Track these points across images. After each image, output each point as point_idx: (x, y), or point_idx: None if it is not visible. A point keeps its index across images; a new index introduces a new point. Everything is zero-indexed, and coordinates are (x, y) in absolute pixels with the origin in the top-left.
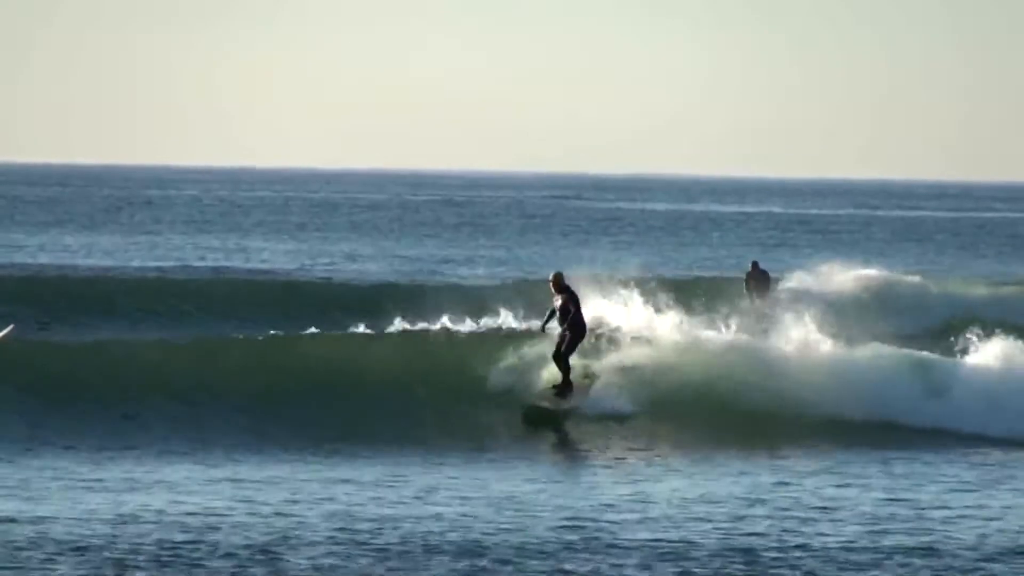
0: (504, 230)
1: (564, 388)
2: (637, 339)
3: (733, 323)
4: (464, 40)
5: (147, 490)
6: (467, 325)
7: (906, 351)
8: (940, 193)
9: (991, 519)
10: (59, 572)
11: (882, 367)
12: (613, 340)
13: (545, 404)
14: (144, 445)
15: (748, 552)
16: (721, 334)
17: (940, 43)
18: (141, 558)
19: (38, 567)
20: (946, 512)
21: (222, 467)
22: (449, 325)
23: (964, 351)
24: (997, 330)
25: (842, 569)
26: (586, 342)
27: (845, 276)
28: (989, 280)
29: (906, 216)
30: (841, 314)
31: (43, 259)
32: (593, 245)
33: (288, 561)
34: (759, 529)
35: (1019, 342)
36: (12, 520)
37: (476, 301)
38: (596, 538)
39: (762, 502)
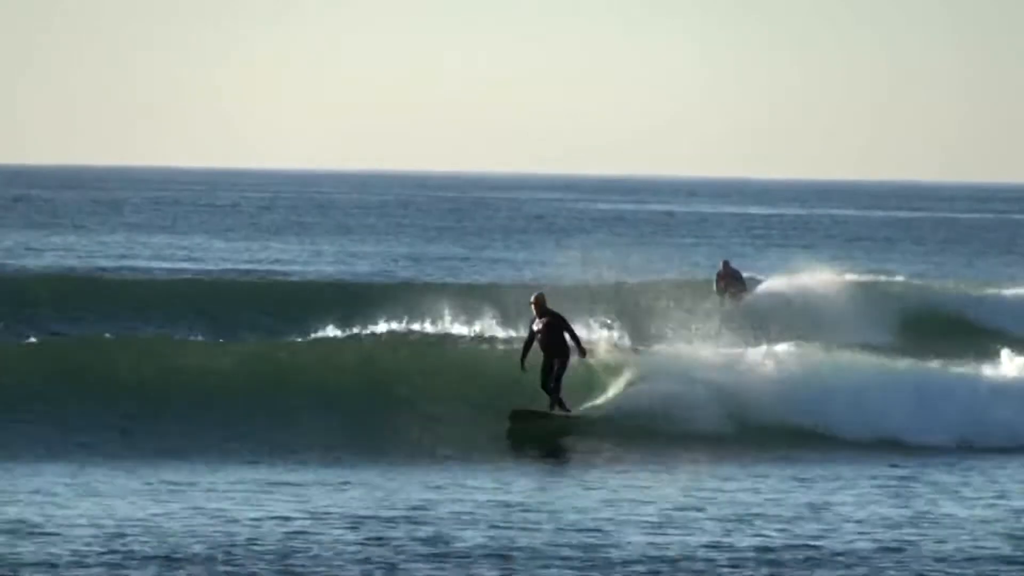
0: (494, 231)
1: (556, 406)
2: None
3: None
4: (464, 40)
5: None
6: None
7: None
8: (941, 194)
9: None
10: None
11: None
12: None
13: (532, 407)
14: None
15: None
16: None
17: (940, 43)
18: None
19: None
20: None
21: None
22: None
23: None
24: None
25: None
26: (575, 360)
27: (815, 279)
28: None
29: (901, 217)
30: (806, 318)
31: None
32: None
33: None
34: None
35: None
36: None
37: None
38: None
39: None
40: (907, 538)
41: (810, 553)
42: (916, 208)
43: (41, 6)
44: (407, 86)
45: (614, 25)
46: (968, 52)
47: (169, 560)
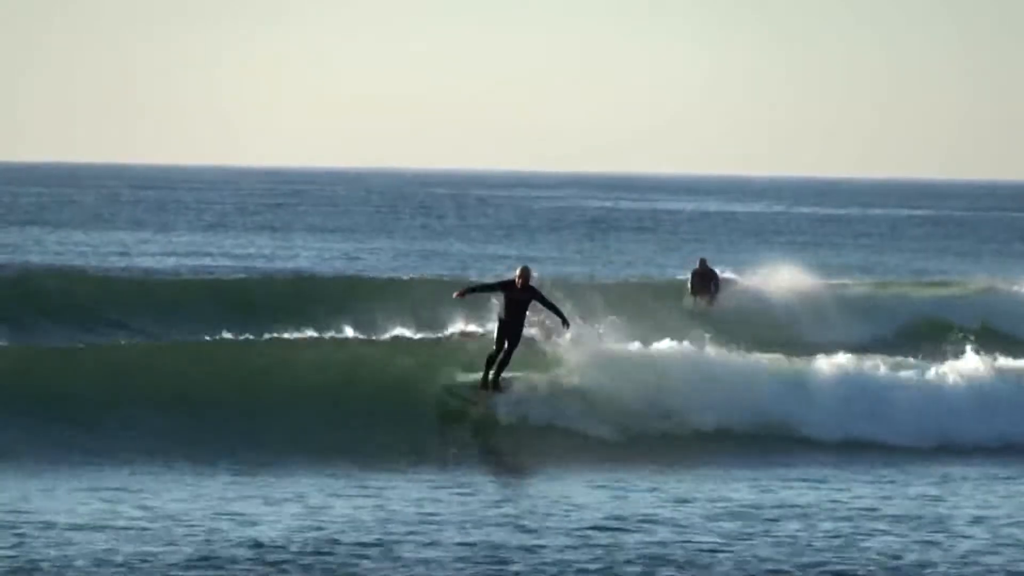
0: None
1: (493, 387)
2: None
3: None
4: (464, 40)
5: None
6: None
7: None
8: (943, 194)
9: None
10: None
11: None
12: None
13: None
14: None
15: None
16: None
17: (940, 43)
18: None
19: None
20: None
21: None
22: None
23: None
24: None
25: None
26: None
27: (785, 278)
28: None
29: (897, 215)
30: (774, 319)
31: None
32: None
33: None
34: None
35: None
36: None
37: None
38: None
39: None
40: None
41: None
42: (916, 206)
43: (41, 6)
44: (407, 86)
45: (614, 25)
46: (968, 52)
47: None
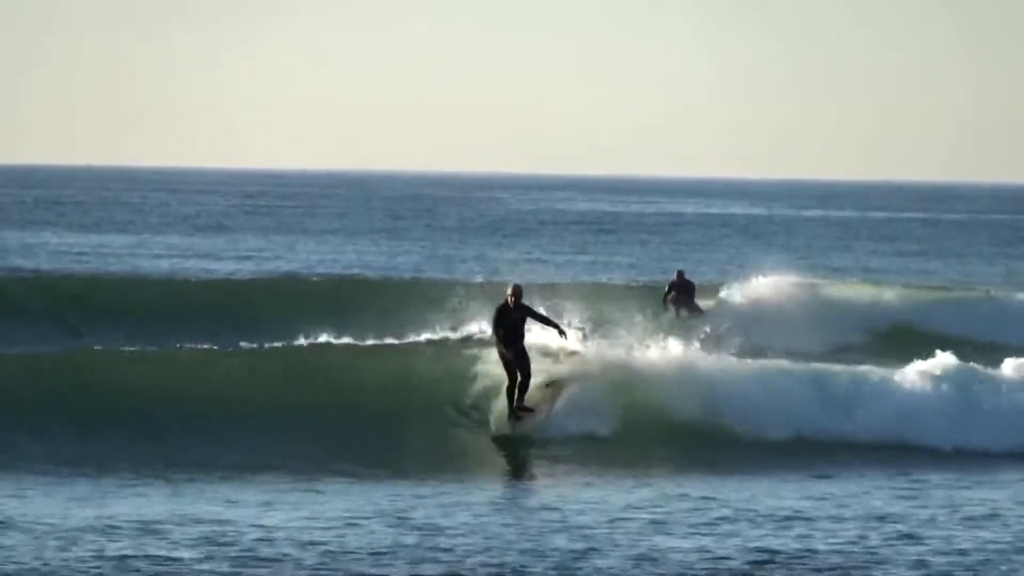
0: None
1: (523, 411)
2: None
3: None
4: (464, 40)
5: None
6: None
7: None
8: (946, 194)
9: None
10: None
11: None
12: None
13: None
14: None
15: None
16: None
17: (940, 43)
18: None
19: None
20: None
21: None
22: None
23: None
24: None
25: None
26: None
27: (771, 283)
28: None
29: (893, 217)
30: (756, 325)
31: None
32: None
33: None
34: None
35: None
36: None
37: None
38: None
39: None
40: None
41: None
42: (918, 209)
43: (41, 6)
44: (407, 86)
45: (614, 25)
46: (968, 52)
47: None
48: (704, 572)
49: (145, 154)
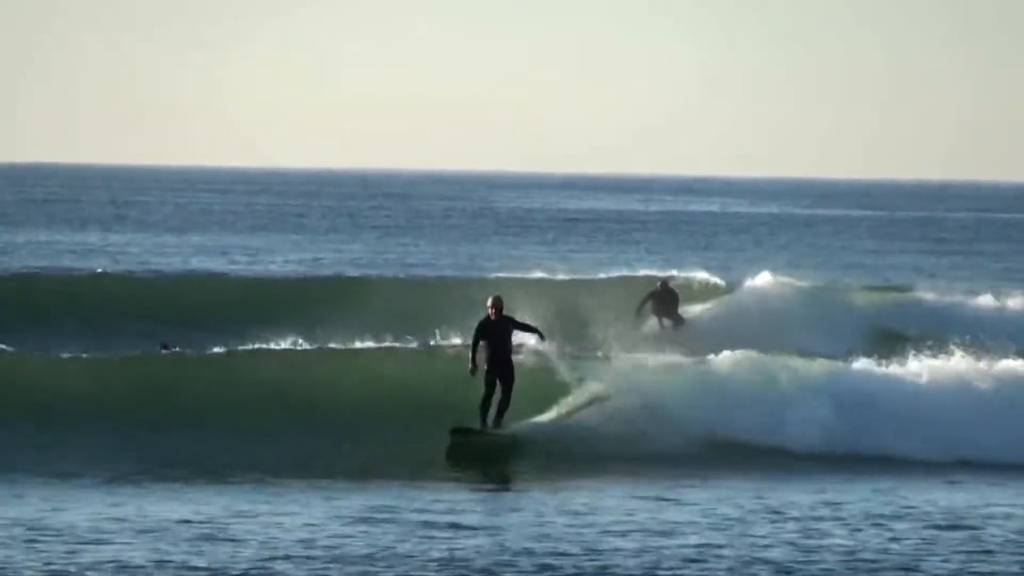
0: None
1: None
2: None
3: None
4: (464, 40)
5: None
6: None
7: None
8: (945, 193)
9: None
10: None
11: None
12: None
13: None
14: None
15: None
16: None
17: (940, 43)
18: None
19: None
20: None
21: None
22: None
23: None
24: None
25: None
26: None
27: (760, 285)
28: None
29: (893, 216)
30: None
31: None
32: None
33: None
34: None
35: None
36: None
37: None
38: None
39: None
40: None
41: None
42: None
43: (41, 6)
44: (407, 86)
45: (614, 25)
46: (968, 52)
47: None
48: (704, 572)
49: (145, 153)
